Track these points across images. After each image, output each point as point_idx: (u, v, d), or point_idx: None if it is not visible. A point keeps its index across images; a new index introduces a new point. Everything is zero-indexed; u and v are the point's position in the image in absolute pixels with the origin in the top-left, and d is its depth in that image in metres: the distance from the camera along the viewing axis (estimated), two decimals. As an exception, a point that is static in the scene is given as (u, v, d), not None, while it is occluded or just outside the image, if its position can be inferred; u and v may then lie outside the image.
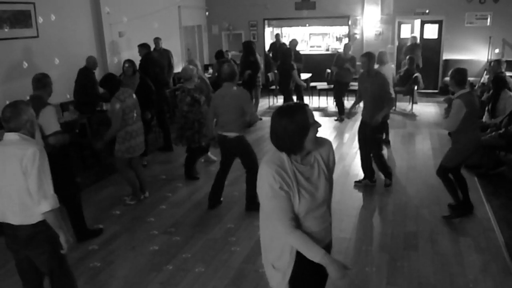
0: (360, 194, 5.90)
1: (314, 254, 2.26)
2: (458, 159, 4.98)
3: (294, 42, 10.60)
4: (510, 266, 4.12)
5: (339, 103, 10.23)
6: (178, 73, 11.69)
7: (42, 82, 4.41)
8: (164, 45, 10.12)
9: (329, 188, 2.46)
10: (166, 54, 10.14)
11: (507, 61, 8.43)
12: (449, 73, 4.95)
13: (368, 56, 5.76)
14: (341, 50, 13.98)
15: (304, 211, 2.32)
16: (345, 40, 14.03)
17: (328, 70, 11.83)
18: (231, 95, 5.08)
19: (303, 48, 14.91)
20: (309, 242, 2.29)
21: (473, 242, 4.59)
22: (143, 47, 8.37)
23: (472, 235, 4.72)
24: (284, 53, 9.41)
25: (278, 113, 2.30)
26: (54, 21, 8.00)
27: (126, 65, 7.02)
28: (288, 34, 15.56)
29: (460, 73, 4.78)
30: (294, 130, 2.23)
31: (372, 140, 5.89)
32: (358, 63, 10.00)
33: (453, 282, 3.91)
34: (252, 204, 5.16)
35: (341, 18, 13.47)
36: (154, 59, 8.37)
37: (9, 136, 2.93)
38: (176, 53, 11.62)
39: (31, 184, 2.85)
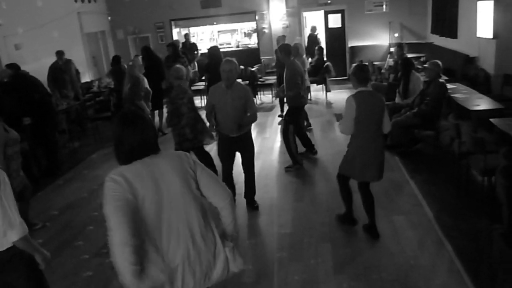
0: (293, 187, 5.92)
1: None
2: (345, 167, 4.45)
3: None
4: (442, 238, 4.33)
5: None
6: (86, 83, 11.10)
7: None
8: (67, 54, 9.50)
9: None
10: (70, 66, 9.55)
11: (406, 44, 8.94)
12: (350, 70, 4.37)
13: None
14: (251, 45, 14.16)
15: None
16: (254, 35, 14.15)
17: (242, 67, 11.79)
18: None
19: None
20: None
21: (405, 219, 4.77)
22: (10, 67, 7.15)
23: (404, 213, 4.91)
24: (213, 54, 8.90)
25: (132, 122, 2.23)
26: None
27: None
28: (196, 33, 15.36)
29: (362, 69, 4.21)
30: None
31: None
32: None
33: (395, 261, 4.02)
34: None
35: (248, 13, 13.52)
36: (25, 77, 7.10)
37: None
38: (80, 62, 10.99)
39: None
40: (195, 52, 12.84)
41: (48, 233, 5.18)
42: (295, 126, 6.51)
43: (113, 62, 9.58)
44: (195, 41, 14.01)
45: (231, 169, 5.28)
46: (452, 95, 6.96)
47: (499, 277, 2.53)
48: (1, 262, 2.72)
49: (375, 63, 11.62)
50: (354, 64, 4.45)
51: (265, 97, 11.85)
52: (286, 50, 6.43)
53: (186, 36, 13.10)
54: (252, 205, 5.39)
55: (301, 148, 6.90)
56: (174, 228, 2.23)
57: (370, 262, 4.05)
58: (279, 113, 9.53)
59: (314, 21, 13.76)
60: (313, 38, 12.90)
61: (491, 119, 5.44)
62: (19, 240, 2.65)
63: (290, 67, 6.30)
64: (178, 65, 6.04)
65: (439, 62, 6.35)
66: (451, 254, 4.05)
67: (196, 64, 12.78)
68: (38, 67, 8.41)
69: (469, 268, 3.79)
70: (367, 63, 6.18)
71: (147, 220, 2.17)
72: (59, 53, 9.36)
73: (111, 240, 2.07)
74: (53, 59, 9.38)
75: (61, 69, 9.24)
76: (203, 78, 9.89)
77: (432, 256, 4.06)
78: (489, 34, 8.13)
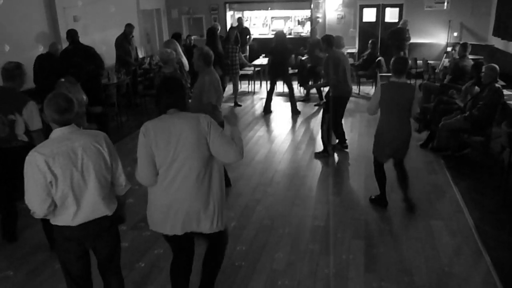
0: (332, 180, 5.88)
1: None
2: (375, 149, 5.02)
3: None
4: (481, 248, 4.20)
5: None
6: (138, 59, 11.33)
7: (10, 74, 4.17)
8: (122, 29, 9.73)
9: None
10: (132, 42, 9.81)
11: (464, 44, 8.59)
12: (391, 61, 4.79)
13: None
14: (304, 34, 14.03)
15: None
16: (308, 24, 14.02)
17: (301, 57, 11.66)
18: None
19: (265, 32, 14.80)
20: None
21: (444, 225, 4.65)
22: (68, 35, 7.69)
23: (443, 218, 4.79)
24: (278, 38, 9.14)
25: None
26: (2, 5, 7.50)
27: None
28: (249, 17, 15.35)
29: (397, 62, 4.70)
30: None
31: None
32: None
33: (429, 266, 3.94)
34: None
35: (303, 1, 13.37)
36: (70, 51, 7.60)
37: (69, 129, 2.70)
38: (135, 38, 11.23)
39: (117, 169, 2.86)
40: (247, 37, 12.84)
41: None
42: (333, 116, 6.57)
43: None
44: (248, 26, 14.02)
45: None
46: (508, 101, 6.66)
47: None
48: (102, 229, 2.84)
49: (430, 62, 11.23)
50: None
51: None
52: (328, 41, 6.57)
53: (239, 20, 13.11)
54: None
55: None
56: (179, 175, 2.85)
57: (403, 264, 3.98)
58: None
59: (371, 14, 13.43)
60: (399, 31, 11.60)
61: (547, 131, 5.18)
62: (127, 187, 2.99)
63: (330, 57, 6.48)
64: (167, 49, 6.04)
65: (496, 66, 6.08)
66: (488, 265, 3.92)
67: (248, 49, 12.79)
68: (94, 39, 8.68)
69: (506, 281, 3.67)
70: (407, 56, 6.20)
71: (157, 163, 2.85)
72: (129, 26, 9.60)
73: (137, 173, 2.94)
74: (108, 33, 9.67)
75: (129, 42, 9.53)
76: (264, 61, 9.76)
77: (468, 265, 3.94)
78: (556, 41, 7.69)
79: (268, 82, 9.44)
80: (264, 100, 9.57)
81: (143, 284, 3.80)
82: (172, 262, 3.28)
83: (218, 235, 3.12)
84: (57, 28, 8.92)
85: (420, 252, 4.16)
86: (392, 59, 4.81)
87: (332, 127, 6.68)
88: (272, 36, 14.31)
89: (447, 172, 5.98)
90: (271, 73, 9.31)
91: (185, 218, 2.92)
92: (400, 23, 11.80)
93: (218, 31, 9.77)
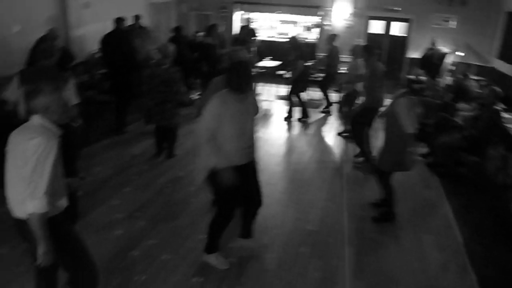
0: (328, 187, 5.93)
1: None
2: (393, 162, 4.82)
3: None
4: (468, 265, 4.28)
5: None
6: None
7: None
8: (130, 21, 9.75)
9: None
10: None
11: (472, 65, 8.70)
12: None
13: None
14: (309, 40, 14.13)
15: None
16: (314, 30, 14.11)
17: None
18: None
19: (272, 34, 14.89)
20: None
21: (435, 239, 4.73)
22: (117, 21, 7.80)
23: (434, 233, 4.87)
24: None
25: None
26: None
27: None
28: (257, 19, 15.39)
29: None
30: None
31: None
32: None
33: (416, 278, 4.03)
34: None
35: (312, 7, 13.44)
36: (120, 35, 7.78)
37: (32, 119, 2.61)
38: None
39: (25, 176, 2.48)
40: (252, 38, 12.89)
41: (85, 188, 5.23)
42: (368, 126, 6.56)
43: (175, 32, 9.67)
44: (255, 27, 14.06)
45: None
46: (507, 125, 6.75)
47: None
48: (24, 231, 2.61)
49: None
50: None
51: (314, 94, 11.80)
52: (370, 51, 6.31)
53: (247, 20, 13.16)
54: None
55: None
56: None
57: (391, 274, 4.06)
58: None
59: (378, 26, 13.53)
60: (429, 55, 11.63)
61: (542, 156, 5.27)
62: (34, 215, 2.48)
63: (371, 68, 6.23)
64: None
65: (497, 89, 6.19)
66: (474, 283, 4.01)
67: (255, 50, 12.81)
68: (103, 28, 8.68)
69: (490, 300, 3.76)
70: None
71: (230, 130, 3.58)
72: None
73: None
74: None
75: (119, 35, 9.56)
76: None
77: (454, 281, 4.03)
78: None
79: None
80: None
81: (134, 272, 3.84)
82: None
83: None
84: (66, 14, 8.93)
85: (409, 264, 4.24)
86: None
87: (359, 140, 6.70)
88: (281, 39, 14.44)
89: (441, 188, 6.06)
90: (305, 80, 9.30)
91: None
92: (430, 44, 11.73)
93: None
